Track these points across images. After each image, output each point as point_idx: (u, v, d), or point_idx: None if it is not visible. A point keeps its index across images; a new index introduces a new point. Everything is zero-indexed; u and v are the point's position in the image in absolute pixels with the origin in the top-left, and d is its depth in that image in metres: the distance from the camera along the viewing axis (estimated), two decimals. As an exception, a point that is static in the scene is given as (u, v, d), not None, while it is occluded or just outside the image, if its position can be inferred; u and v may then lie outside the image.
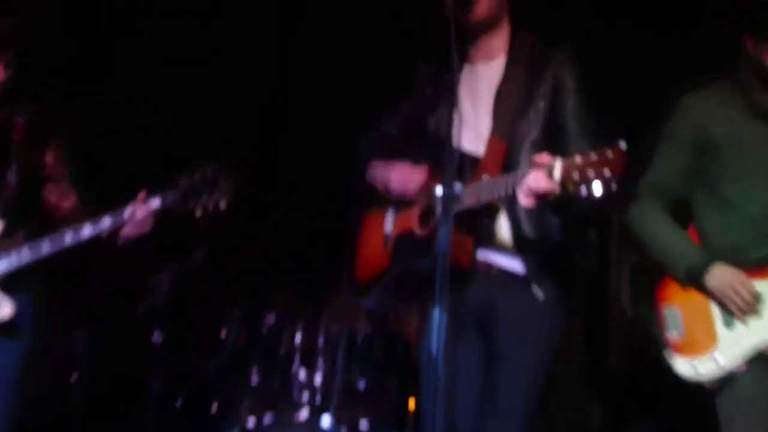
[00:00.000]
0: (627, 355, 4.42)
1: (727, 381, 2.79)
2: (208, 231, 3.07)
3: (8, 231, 3.11)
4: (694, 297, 2.87)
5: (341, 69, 4.88)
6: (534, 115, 2.72)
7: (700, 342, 2.82)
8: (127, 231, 3.05)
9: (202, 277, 4.45)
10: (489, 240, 2.72)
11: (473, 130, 2.75)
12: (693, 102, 2.96)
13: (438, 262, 2.15)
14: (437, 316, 2.12)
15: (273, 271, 4.93)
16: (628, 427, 4.51)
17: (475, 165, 2.69)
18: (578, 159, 2.31)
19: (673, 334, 2.88)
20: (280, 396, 4.16)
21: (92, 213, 3.09)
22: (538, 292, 2.70)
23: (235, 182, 2.97)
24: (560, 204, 2.50)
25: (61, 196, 3.24)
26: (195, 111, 4.84)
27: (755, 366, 2.76)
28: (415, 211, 2.81)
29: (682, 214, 2.98)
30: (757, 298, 2.78)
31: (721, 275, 2.80)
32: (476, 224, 2.67)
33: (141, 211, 3.03)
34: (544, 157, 2.41)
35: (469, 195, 2.60)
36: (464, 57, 2.84)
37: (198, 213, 2.97)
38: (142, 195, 3.05)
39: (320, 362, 4.17)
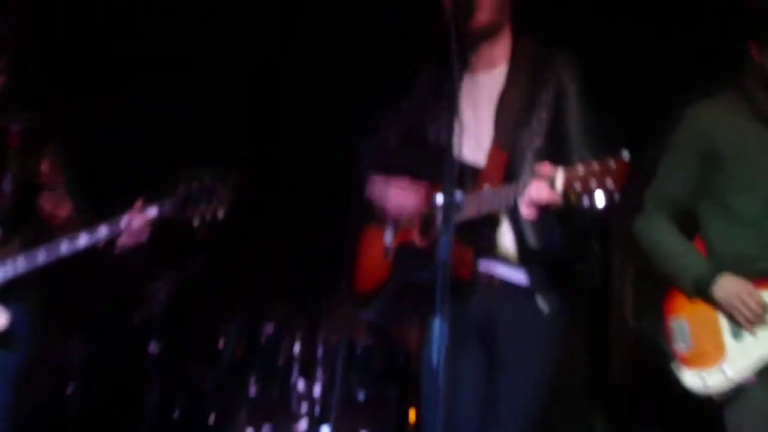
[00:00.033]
0: (630, 365, 4.41)
1: (736, 393, 2.77)
2: (205, 240, 3.04)
3: (3, 240, 3.10)
4: (702, 308, 2.86)
5: (341, 69, 4.87)
6: (537, 124, 2.70)
7: (708, 354, 2.81)
8: (123, 240, 3.03)
9: (200, 286, 4.43)
10: (490, 251, 2.70)
11: (474, 140, 2.72)
12: (697, 111, 2.96)
13: (438, 271, 2.14)
14: (438, 326, 2.11)
15: (271, 280, 4.90)
16: (631, 437, 4.50)
17: (476, 175, 2.67)
18: (580, 169, 2.30)
19: (680, 347, 2.87)
20: (278, 407, 4.15)
21: (88, 221, 3.06)
22: (543, 304, 2.68)
23: (233, 190, 2.94)
24: (562, 215, 2.48)
25: (56, 205, 3.22)
26: (194, 113, 4.84)
27: (764, 377, 2.75)
28: (415, 222, 2.79)
29: (688, 225, 2.98)
30: (764, 308, 2.76)
31: (728, 286, 2.79)
32: (477, 235, 2.65)
33: (138, 220, 3.01)
34: (545, 168, 2.39)
35: (470, 205, 2.58)
36: (465, 66, 2.82)
37: (196, 222, 2.95)
38: (138, 204, 3.04)
39: (319, 372, 4.16)
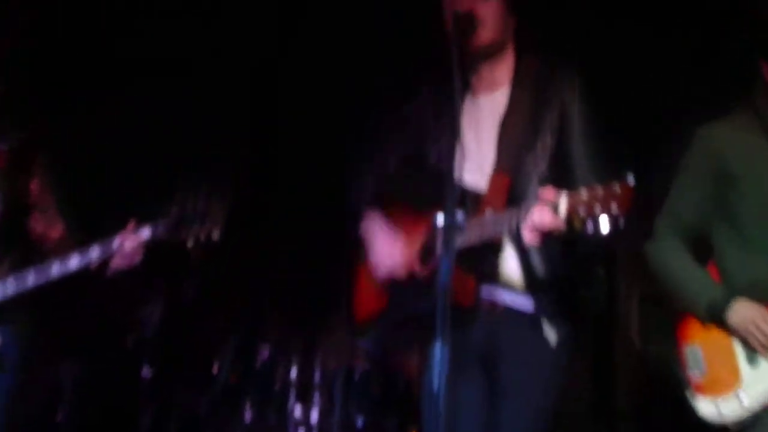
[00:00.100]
0: (635, 390, 4.37)
1: (752, 421, 2.72)
2: (200, 261, 2.99)
3: (-8, 261, 3.06)
4: (716, 335, 2.82)
5: (341, 70, 4.87)
6: (541, 148, 2.66)
7: (723, 380, 2.77)
8: (116, 262, 3.00)
9: (194, 308, 4.39)
10: (493, 277, 2.66)
11: (476, 164, 2.69)
12: (708, 132, 2.93)
13: (439, 297, 2.11)
14: (439, 351, 2.09)
15: (267, 302, 4.85)
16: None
17: (477, 200, 2.63)
18: (584, 193, 2.26)
19: (695, 374, 2.84)
20: (275, 433, 4.10)
21: (80, 242, 3.03)
22: (549, 330, 2.65)
23: (227, 211, 2.89)
24: (566, 240, 2.44)
25: (47, 226, 3.19)
26: (194, 114, 4.82)
27: None
28: (414, 249, 2.74)
29: (701, 250, 2.95)
30: (780, 334, 2.74)
31: (743, 311, 2.75)
32: (479, 262, 2.61)
33: (130, 241, 2.97)
34: (549, 192, 2.35)
35: (471, 231, 2.54)
36: (466, 88, 2.77)
37: (190, 243, 2.91)
38: (131, 225, 3.00)
39: (317, 398, 4.11)
